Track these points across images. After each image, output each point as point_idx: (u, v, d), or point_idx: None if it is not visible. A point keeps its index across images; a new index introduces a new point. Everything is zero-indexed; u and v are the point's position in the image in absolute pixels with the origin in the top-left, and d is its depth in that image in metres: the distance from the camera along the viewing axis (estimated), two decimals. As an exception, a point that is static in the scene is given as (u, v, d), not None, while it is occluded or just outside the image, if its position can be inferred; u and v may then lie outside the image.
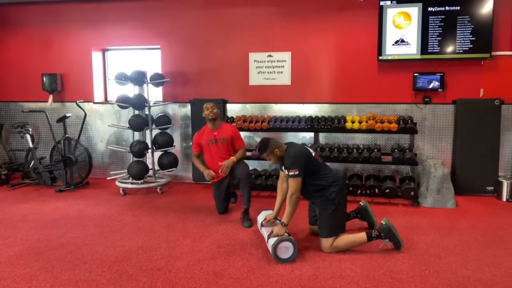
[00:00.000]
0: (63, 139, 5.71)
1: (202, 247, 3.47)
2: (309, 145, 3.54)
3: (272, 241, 3.19)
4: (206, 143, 4.37)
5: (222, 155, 4.35)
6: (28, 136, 5.91)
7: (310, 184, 3.38)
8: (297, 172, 3.25)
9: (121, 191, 5.33)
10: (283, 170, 3.50)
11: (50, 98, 6.31)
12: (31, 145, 5.89)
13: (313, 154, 3.47)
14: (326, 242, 3.34)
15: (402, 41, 5.20)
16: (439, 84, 5.15)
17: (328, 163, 3.82)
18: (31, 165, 5.86)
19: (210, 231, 3.87)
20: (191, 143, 5.88)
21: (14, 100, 6.61)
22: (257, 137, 5.77)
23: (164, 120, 5.62)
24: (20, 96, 6.57)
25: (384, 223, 3.37)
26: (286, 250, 3.16)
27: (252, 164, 5.58)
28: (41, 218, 4.34)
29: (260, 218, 3.75)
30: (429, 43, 5.12)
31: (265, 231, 3.48)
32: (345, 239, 3.40)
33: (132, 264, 3.15)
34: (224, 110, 5.75)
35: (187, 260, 3.22)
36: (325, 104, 5.60)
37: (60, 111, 6.31)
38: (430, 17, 5.09)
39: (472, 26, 5.00)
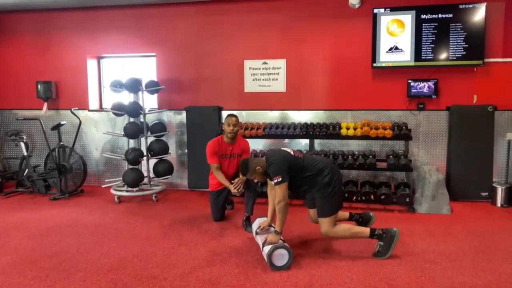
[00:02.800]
0: (58, 147, 5.69)
1: (197, 255, 3.46)
2: (289, 149, 3.52)
3: (266, 249, 3.19)
4: (221, 157, 4.31)
5: (232, 170, 4.35)
6: (22, 144, 5.87)
7: (300, 181, 3.37)
8: (280, 179, 3.22)
9: (116, 199, 5.30)
10: (270, 180, 3.49)
11: (45, 105, 6.29)
12: (25, 153, 5.85)
13: (292, 153, 3.44)
14: (326, 224, 3.31)
15: (396, 48, 5.25)
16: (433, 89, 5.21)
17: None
18: (25, 173, 5.82)
19: (206, 239, 3.86)
20: (186, 150, 5.89)
21: (9, 108, 6.58)
22: (253, 144, 5.77)
23: (159, 128, 5.62)
24: (15, 103, 6.54)
25: (395, 230, 3.35)
26: (281, 257, 3.15)
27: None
28: (35, 226, 4.30)
29: (255, 226, 3.74)
30: (422, 50, 5.17)
31: (259, 239, 3.47)
32: (347, 227, 3.40)
33: (127, 273, 3.12)
34: (219, 117, 5.75)
35: (182, 268, 3.20)
36: (320, 111, 5.62)
37: (54, 118, 6.28)
38: (423, 24, 5.14)
39: (465, 33, 5.05)
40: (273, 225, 3.58)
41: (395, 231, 3.34)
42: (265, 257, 3.18)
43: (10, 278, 3.06)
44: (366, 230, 3.39)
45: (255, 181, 3.55)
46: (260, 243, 3.39)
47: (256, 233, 3.61)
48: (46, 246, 3.72)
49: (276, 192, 3.28)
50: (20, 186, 5.95)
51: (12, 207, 5.11)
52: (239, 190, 4.06)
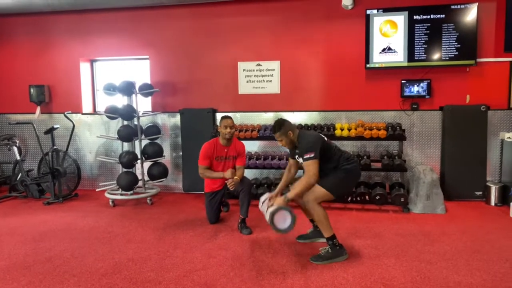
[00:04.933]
0: (51, 151, 5.65)
1: (193, 258, 3.44)
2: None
3: (271, 208, 3.12)
4: (215, 159, 4.30)
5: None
6: (15, 149, 5.84)
7: (324, 165, 3.36)
8: (313, 154, 3.22)
9: (110, 203, 5.27)
10: (295, 157, 3.48)
11: (38, 109, 6.25)
12: (18, 158, 5.82)
13: (326, 138, 3.47)
14: (315, 194, 3.29)
15: (389, 49, 5.27)
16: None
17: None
18: (19, 177, 5.78)
19: (201, 242, 3.85)
20: (180, 153, 5.88)
21: (1, 112, 6.54)
22: (248, 146, 5.76)
23: (154, 130, 5.60)
24: (7, 108, 6.50)
25: (347, 253, 3.35)
26: (284, 219, 3.10)
27: (254, 173, 5.66)
28: (28, 231, 4.27)
29: (263, 198, 3.64)
30: (415, 51, 5.19)
31: (265, 206, 3.39)
32: (325, 213, 3.33)
33: (122, 277, 3.10)
34: (214, 119, 5.74)
35: (178, 271, 3.19)
36: (314, 112, 5.63)
37: (47, 122, 6.25)
38: (416, 25, 5.17)
39: (457, 34, 5.08)
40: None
41: (345, 254, 3.34)
42: (267, 216, 3.11)
43: (3, 284, 3.03)
44: (332, 231, 3.35)
45: (281, 144, 3.49)
46: (265, 209, 3.32)
47: (263, 203, 3.49)
48: (40, 251, 3.69)
49: (307, 168, 3.24)
50: (14, 191, 5.90)
51: (6, 212, 5.07)
52: (234, 185, 4.10)
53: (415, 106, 5.33)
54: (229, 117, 4.27)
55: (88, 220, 4.63)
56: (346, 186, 3.53)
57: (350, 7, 5.36)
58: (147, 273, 3.17)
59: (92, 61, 6.44)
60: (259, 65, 5.73)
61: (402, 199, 4.71)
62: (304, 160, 3.26)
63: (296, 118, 5.66)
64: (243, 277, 3.06)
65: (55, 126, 5.70)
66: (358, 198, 4.82)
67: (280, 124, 3.42)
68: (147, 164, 5.55)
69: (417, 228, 4.13)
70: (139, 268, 3.26)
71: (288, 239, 3.79)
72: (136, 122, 5.45)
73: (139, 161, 5.39)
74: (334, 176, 3.37)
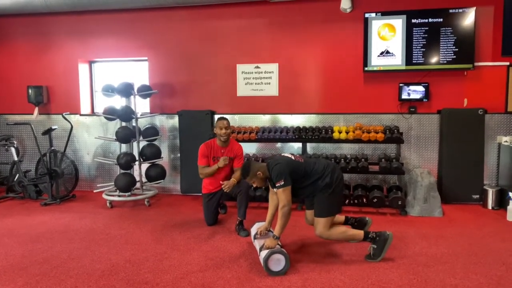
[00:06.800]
0: (49, 151, 5.64)
1: (190, 260, 3.44)
2: (289, 154, 3.54)
3: (263, 253, 3.17)
4: (212, 159, 4.33)
5: (224, 172, 4.33)
6: (13, 149, 5.82)
7: (302, 186, 3.37)
8: (283, 182, 3.22)
9: (108, 204, 5.27)
10: (272, 187, 3.48)
11: (36, 110, 6.25)
12: (16, 158, 5.80)
13: (293, 158, 3.44)
14: (321, 224, 3.32)
15: (387, 52, 5.29)
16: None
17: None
18: (16, 178, 5.76)
19: (199, 243, 3.84)
20: (178, 155, 5.87)
21: (-1, 112, 6.54)
22: (246, 148, 5.76)
23: (152, 132, 5.60)
24: (5, 108, 6.49)
25: (388, 233, 3.35)
26: (278, 262, 3.14)
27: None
28: (26, 232, 4.26)
29: (253, 230, 3.73)
30: (413, 54, 5.21)
31: (257, 244, 3.46)
32: (342, 230, 3.42)
33: (119, 278, 3.10)
34: (212, 121, 5.75)
35: (175, 273, 3.18)
36: (312, 115, 5.64)
37: (46, 123, 6.24)
38: (414, 28, 5.19)
39: (455, 38, 5.10)
40: (271, 229, 3.58)
41: (388, 235, 3.35)
42: (262, 261, 3.17)
43: (0, 285, 3.02)
44: (360, 233, 3.41)
45: (254, 185, 3.54)
46: (258, 248, 3.38)
47: (254, 238, 3.60)
48: (37, 252, 3.68)
49: (279, 197, 3.27)
50: (11, 192, 5.89)
51: (2, 213, 5.05)
52: (228, 188, 4.13)
53: (413, 109, 5.35)
54: (224, 118, 4.30)
55: (85, 222, 4.62)
56: (339, 197, 3.51)
57: (348, 10, 5.38)
58: (145, 274, 3.16)
59: (90, 62, 6.44)
60: (257, 67, 5.74)
61: (400, 202, 4.72)
62: (276, 188, 3.27)
63: (295, 120, 5.67)
64: (241, 279, 3.06)
65: (53, 127, 5.70)
66: (356, 201, 4.83)
67: (246, 169, 3.46)
68: (145, 166, 5.54)
69: (414, 231, 4.14)
70: (137, 269, 3.26)
71: (285, 241, 3.79)
72: (134, 124, 5.45)
73: (137, 163, 5.38)
74: (321, 199, 3.35)
